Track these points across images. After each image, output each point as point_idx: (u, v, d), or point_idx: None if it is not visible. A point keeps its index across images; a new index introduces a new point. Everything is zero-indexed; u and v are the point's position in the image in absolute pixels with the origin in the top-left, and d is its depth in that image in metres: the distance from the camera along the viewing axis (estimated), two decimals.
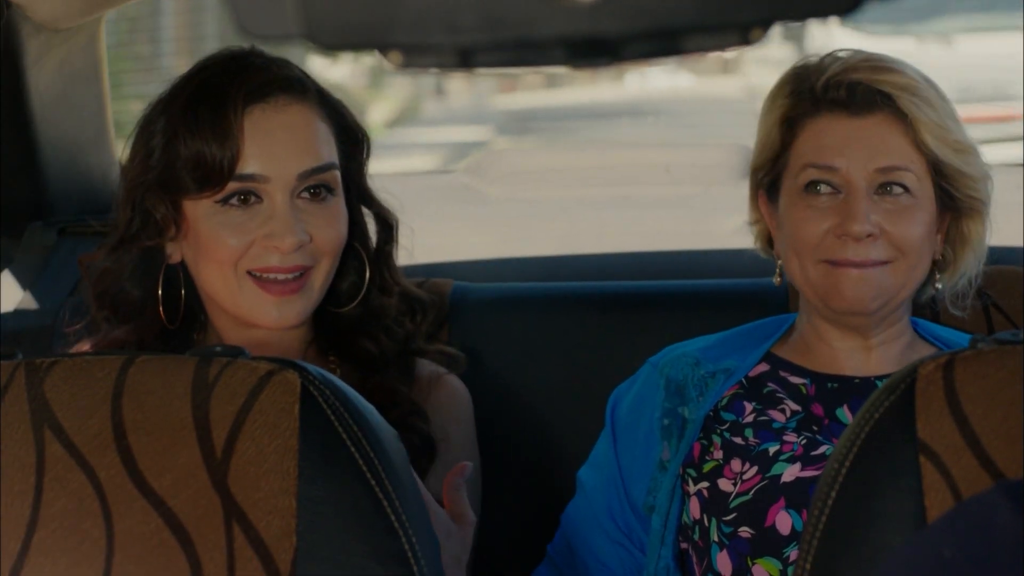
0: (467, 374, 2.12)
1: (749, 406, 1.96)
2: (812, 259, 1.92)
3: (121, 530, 1.45)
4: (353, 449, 1.43)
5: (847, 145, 1.92)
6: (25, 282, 2.56)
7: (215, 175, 1.89)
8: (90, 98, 2.63)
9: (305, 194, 1.92)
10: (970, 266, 2.01)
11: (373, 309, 2.02)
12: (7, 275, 2.56)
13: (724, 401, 1.97)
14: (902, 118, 1.91)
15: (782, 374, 1.99)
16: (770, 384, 1.98)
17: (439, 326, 2.28)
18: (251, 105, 1.90)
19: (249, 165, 1.90)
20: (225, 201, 1.91)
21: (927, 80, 1.96)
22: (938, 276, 2.00)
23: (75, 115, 2.61)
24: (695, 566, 1.95)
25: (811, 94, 1.95)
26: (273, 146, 1.91)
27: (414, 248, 2.09)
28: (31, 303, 2.52)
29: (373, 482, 1.43)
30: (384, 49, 0.92)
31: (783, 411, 1.95)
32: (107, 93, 2.66)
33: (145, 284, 1.96)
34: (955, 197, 1.95)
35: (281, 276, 1.90)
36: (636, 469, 2.00)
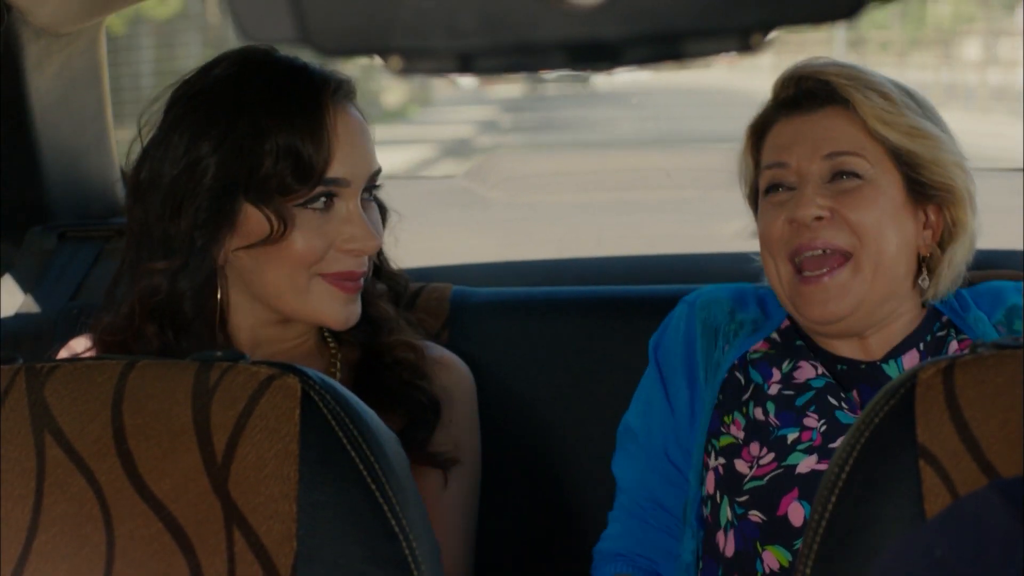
0: None
1: (777, 372, 1.97)
2: (780, 256, 1.96)
3: (121, 534, 1.45)
4: (353, 453, 1.43)
5: (796, 141, 1.96)
6: (26, 286, 2.56)
7: (310, 176, 1.86)
8: (90, 102, 2.63)
9: (365, 195, 1.92)
10: (960, 260, 2.00)
11: (367, 291, 2.03)
12: (8, 279, 2.56)
13: (757, 355, 1.99)
14: (849, 107, 1.94)
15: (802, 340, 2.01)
16: (800, 341, 2.00)
17: (439, 329, 2.28)
18: (337, 106, 1.89)
19: (336, 168, 1.88)
20: (306, 204, 1.88)
21: (886, 77, 1.98)
22: (924, 275, 1.99)
23: (75, 119, 2.61)
24: (706, 540, 1.97)
25: (771, 102, 2.02)
26: (354, 149, 1.90)
27: (415, 252, 2.10)
28: (32, 307, 2.52)
29: (373, 486, 1.43)
30: (384, 53, 0.92)
31: (815, 367, 1.96)
32: (107, 97, 2.66)
33: (201, 301, 1.91)
34: (924, 183, 1.95)
35: (351, 280, 1.90)
36: (686, 408, 2.02)
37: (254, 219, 1.86)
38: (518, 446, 2.30)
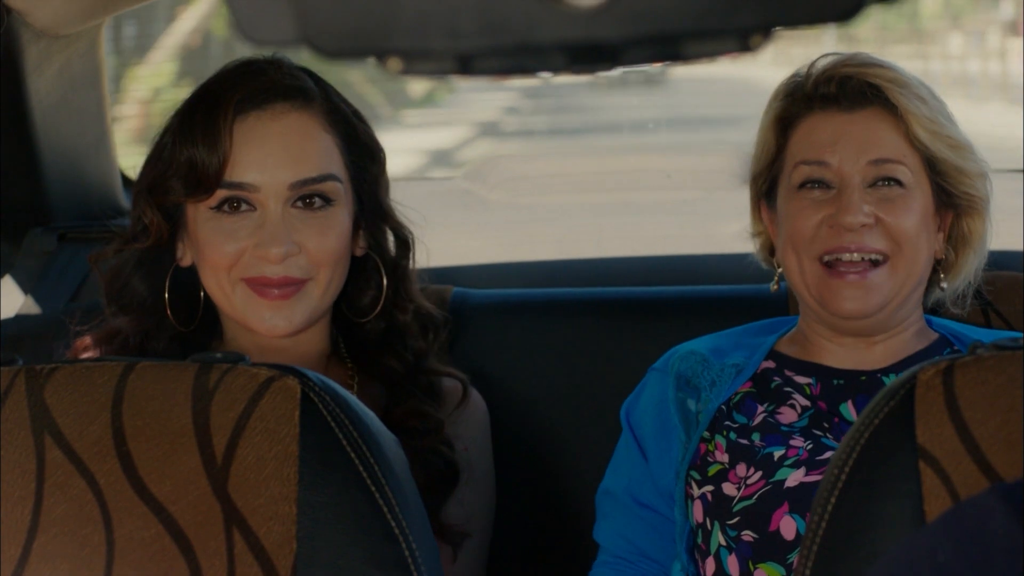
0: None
1: (760, 407, 1.96)
2: (808, 255, 1.93)
3: (121, 536, 1.44)
4: (353, 455, 1.43)
5: (838, 140, 1.93)
6: (26, 287, 2.56)
7: (204, 181, 1.89)
8: (90, 104, 2.63)
9: (299, 203, 1.91)
10: (971, 266, 2.01)
11: (396, 326, 2.00)
12: (8, 280, 2.56)
13: (736, 398, 1.97)
14: (893, 112, 1.93)
15: (787, 373, 1.99)
16: (776, 378, 1.98)
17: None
18: (244, 112, 1.90)
19: (239, 173, 1.89)
20: (218, 207, 1.91)
21: (919, 79, 1.97)
22: (943, 276, 2.00)
23: (75, 121, 2.61)
24: (700, 569, 1.96)
25: (803, 93, 1.98)
26: (265, 155, 1.90)
27: (416, 252, 2.09)
28: (31, 308, 2.52)
29: (373, 488, 1.43)
30: (384, 55, 0.92)
31: (794, 407, 1.95)
32: (107, 99, 2.66)
33: (152, 282, 1.97)
34: (952, 194, 1.95)
35: (270, 287, 1.90)
36: (663, 462, 2.00)
37: (155, 223, 1.94)
38: (519, 447, 2.30)
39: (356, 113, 1.98)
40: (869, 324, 1.95)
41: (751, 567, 1.89)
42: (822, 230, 1.92)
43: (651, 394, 2.04)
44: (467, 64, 0.92)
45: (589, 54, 0.91)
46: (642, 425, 2.04)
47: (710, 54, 0.92)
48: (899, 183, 1.92)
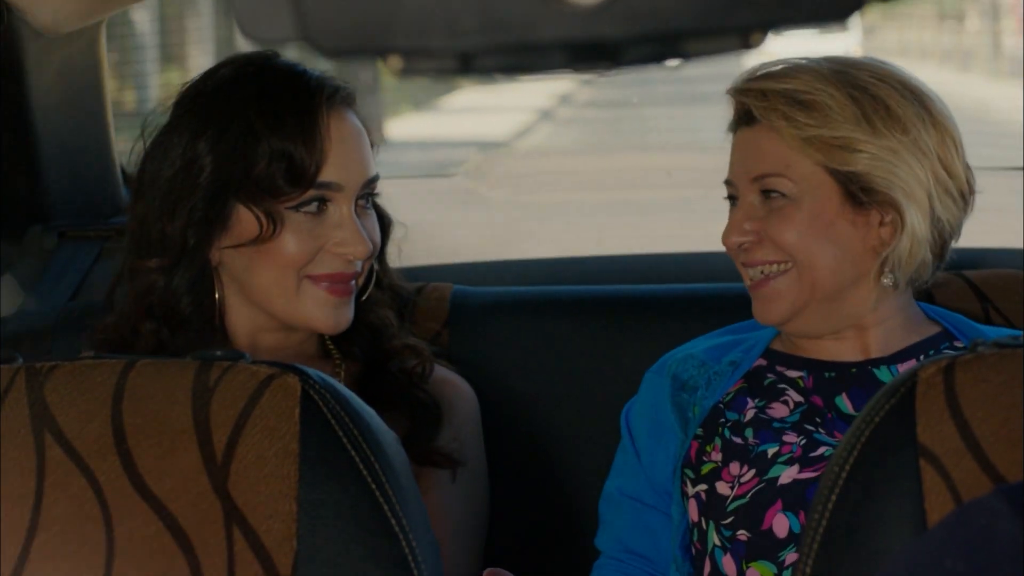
0: (466, 378, 2.12)
1: (751, 402, 1.96)
2: (740, 266, 1.98)
3: (121, 534, 1.45)
4: (353, 453, 1.43)
5: (735, 159, 1.99)
6: (26, 286, 2.56)
7: (302, 179, 1.88)
8: (91, 102, 2.63)
9: (361, 201, 1.94)
10: (912, 252, 1.94)
11: (369, 299, 2.03)
12: (8, 279, 2.56)
13: (729, 397, 1.98)
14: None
15: (779, 368, 2.00)
16: (770, 375, 1.99)
17: (440, 329, 2.28)
18: (330, 111, 1.91)
19: (328, 172, 1.90)
20: (298, 207, 1.90)
21: (833, 77, 1.94)
22: (885, 270, 1.95)
23: (76, 119, 2.61)
24: (696, 569, 1.96)
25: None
26: (348, 155, 1.91)
27: (415, 251, 2.10)
28: (31, 307, 2.52)
29: (373, 486, 1.43)
30: (384, 53, 0.92)
31: (786, 403, 1.96)
32: (108, 97, 2.66)
33: (198, 298, 1.93)
34: (863, 189, 1.92)
35: (341, 283, 1.92)
36: (658, 459, 2.01)
37: (245, 220, 1.89)
38: (518, 446, 2.30)
39: None
40: (801, 327, 1.96)
41: (744, 567, 1.89)
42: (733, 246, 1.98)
43: (646, 396, 2.05)
44: (468, 63, 0.92)
45: (589, 52, 0.91)
46: (637, 426, 2.05)
47: (710, 52, 0.92)
48: (782, 195, 1.93)
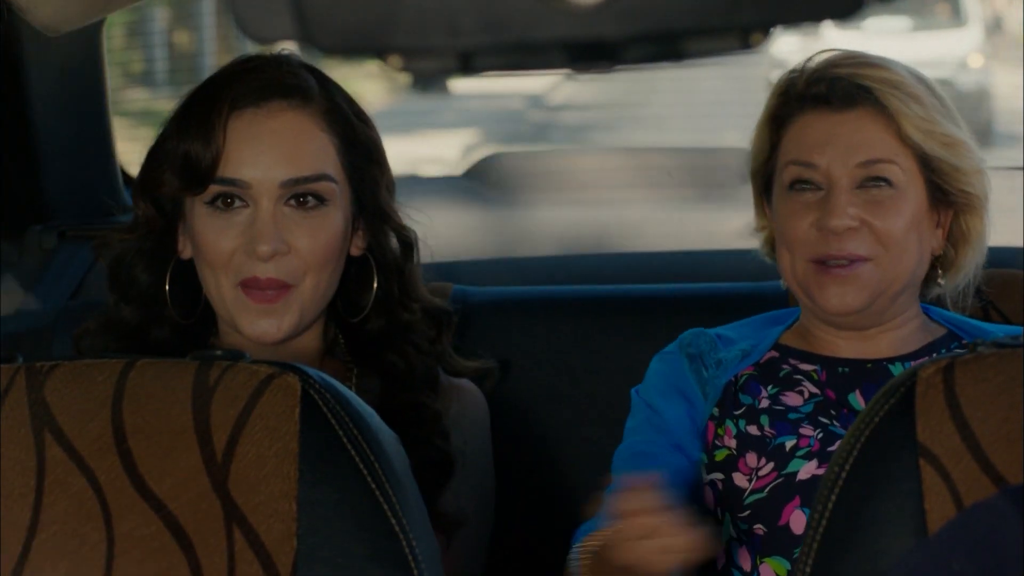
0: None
1: (764, 390, 1.96)
2: (800, 256, 1.93)
3: (121, 533, 1.45)
4: (353, 452, 1.43)
5: (828, 141, 1.93)
6: (26, 285, 2.56)
7: (197, 175, 1.89)
8: (91, 102, 2.63)
9: (292, 202, 1.90)
10: (970, 263, 2.00)
11: (399, 323, 1.99)
12: (8, 278, 2.56)
13: (743, 380, 1.97)
14: (884, 112, 1.92)
15: (792, 361, 1.99)
16: (784, 367, 1.98)
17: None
18: (240, 109, 1.90)
19: (232, 169, 1.89)
20: (211, 203, 1.91)
21: (916, 75, 1.96)
22: (940, 273, 1.99)
23: (76, 119, 2.61)
24: (710, 562, 1.94)
25: (796, 92, 1.97)
26: (258, 152, 1.90)
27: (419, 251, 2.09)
28: (31, 306, 2.51)
29: (373, 485, 1.43)
30: (384, 52, 0.92)
31: (801, 393, 1.95)
32: (108, 97, 2.66)
33: (153, 273, 1.97)
34: (947, 191, 1.95)
35: (256, 289, 1.89)
36: (677, 420, 1.98)
37: (148, 215, 1.96)
38: (519, 446, 2.29)
39: (359, 114, 1.97)
40: (859, 319, 1.95)
41: (757, 561, 1.89)
42: (811, 233, 1.92)
43: (659, 369, 2.01)
44: (467, 62, 0.92)
45: (589, 52, 0.91)
46: (650, 389, 2.01)
47: (710, 52, 0.92)
48: (889, 183, 1.92)
